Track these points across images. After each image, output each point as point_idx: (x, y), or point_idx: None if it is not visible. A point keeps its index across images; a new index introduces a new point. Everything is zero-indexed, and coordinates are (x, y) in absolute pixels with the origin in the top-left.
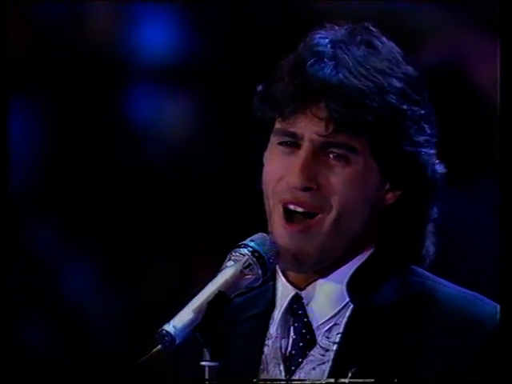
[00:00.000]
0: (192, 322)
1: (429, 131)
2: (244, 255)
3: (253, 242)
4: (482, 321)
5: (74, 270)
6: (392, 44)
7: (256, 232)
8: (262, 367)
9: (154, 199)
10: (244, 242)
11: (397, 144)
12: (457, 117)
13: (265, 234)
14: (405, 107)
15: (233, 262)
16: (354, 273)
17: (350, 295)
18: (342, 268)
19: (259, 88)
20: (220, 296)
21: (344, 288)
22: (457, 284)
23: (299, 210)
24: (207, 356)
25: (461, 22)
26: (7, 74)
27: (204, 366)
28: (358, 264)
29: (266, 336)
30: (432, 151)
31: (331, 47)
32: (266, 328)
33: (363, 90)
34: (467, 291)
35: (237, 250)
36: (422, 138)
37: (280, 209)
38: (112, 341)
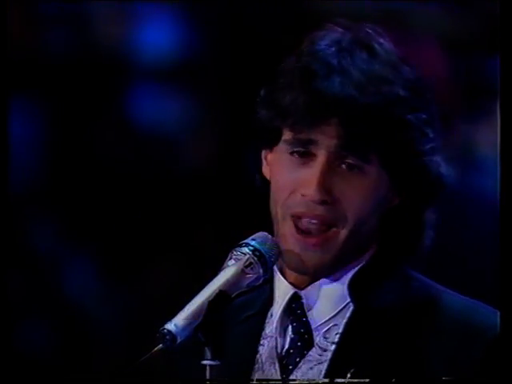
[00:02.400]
0: (193, 321)
1: (432, 135)
2: (245, 254)
3: (254, 240)
4: (482, 330)
5: (74, 269)
6: (388, 45)
7: (257, 231)
8: (257, 366)
9: (155, 199)
10: (245, 241)
11: (404, 155)
12: (456, 117)
13: (266, 233)
14: (409, 117)
15: (234, 261)
16: (356, 273)
17: (351, 296)
18: (343, 269)
19: (262, 93)
20: (221, 295)
21: (345, 288)
22: (456, 289)
23: (314, 222)
24: (208, 355)
25: (461, 22)
26: (7, 74)
27: (205, 365)
28: (361, 265)
29: (261, 336)
30: (436, 157)
31: (337, 57)
32: (262, 328)
33: (372, 104)
34: (470, 299)
35: (238, 248)
36: (426, 146)
37: (292, 222)
38: (113, 340)
